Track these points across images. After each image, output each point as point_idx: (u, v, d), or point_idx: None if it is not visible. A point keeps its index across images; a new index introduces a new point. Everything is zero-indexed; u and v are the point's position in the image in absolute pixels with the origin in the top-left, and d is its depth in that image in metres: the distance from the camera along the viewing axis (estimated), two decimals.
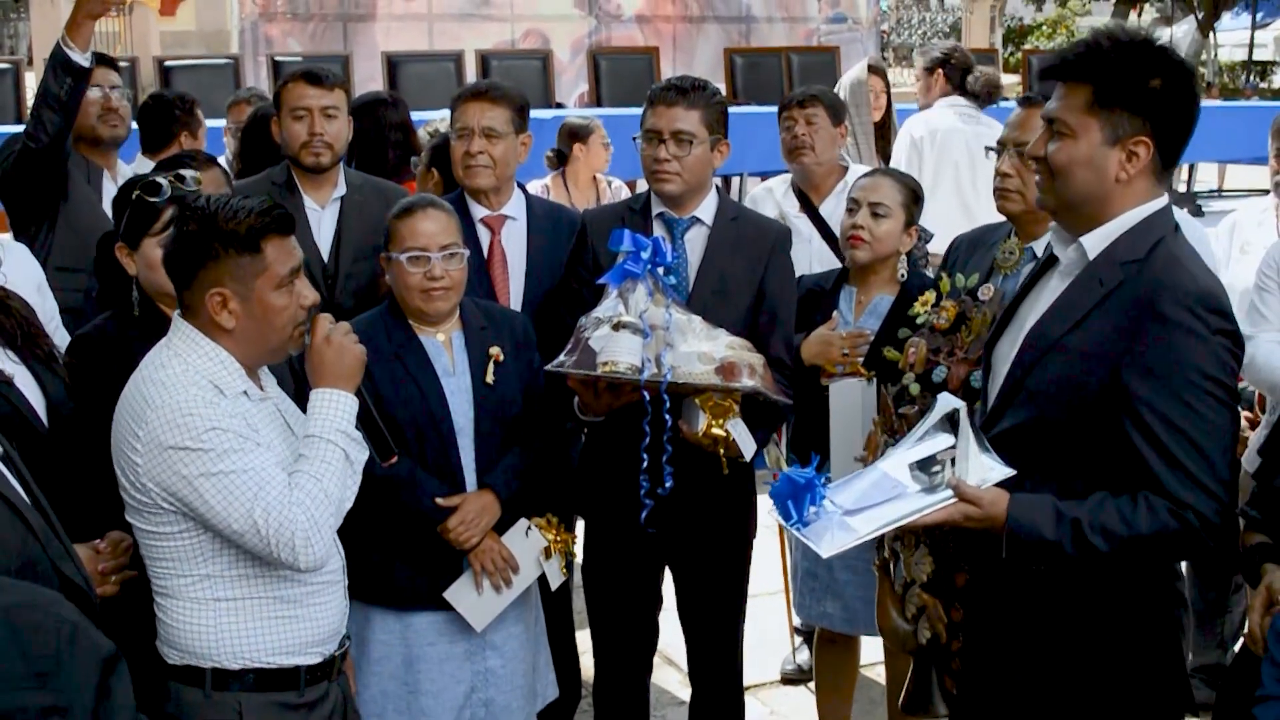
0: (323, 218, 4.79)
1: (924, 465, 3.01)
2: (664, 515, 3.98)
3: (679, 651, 4.70)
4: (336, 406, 3.15)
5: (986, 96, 7.80)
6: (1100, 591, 2.96)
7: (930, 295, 3.84)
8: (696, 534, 4.22)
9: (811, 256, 5.34)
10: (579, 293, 4.12)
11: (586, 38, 18.74)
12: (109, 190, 5.17)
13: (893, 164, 7.27)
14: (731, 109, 4.32)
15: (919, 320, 3.81)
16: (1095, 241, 2.97)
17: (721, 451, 3.82)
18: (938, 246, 4.71)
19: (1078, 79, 2.94)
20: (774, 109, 5.73)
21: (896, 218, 4.47)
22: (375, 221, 4.12)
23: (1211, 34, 32.61)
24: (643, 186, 4.38)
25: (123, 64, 9.50)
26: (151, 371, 3.07)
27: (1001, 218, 4.14)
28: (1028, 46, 29.43)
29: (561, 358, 3.75)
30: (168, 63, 11.74)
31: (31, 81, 5.38)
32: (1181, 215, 4.94)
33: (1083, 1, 36.24)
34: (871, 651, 5.01)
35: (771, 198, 5.67)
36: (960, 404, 3.02)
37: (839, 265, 4.87)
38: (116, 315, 3.65)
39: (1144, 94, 2.89)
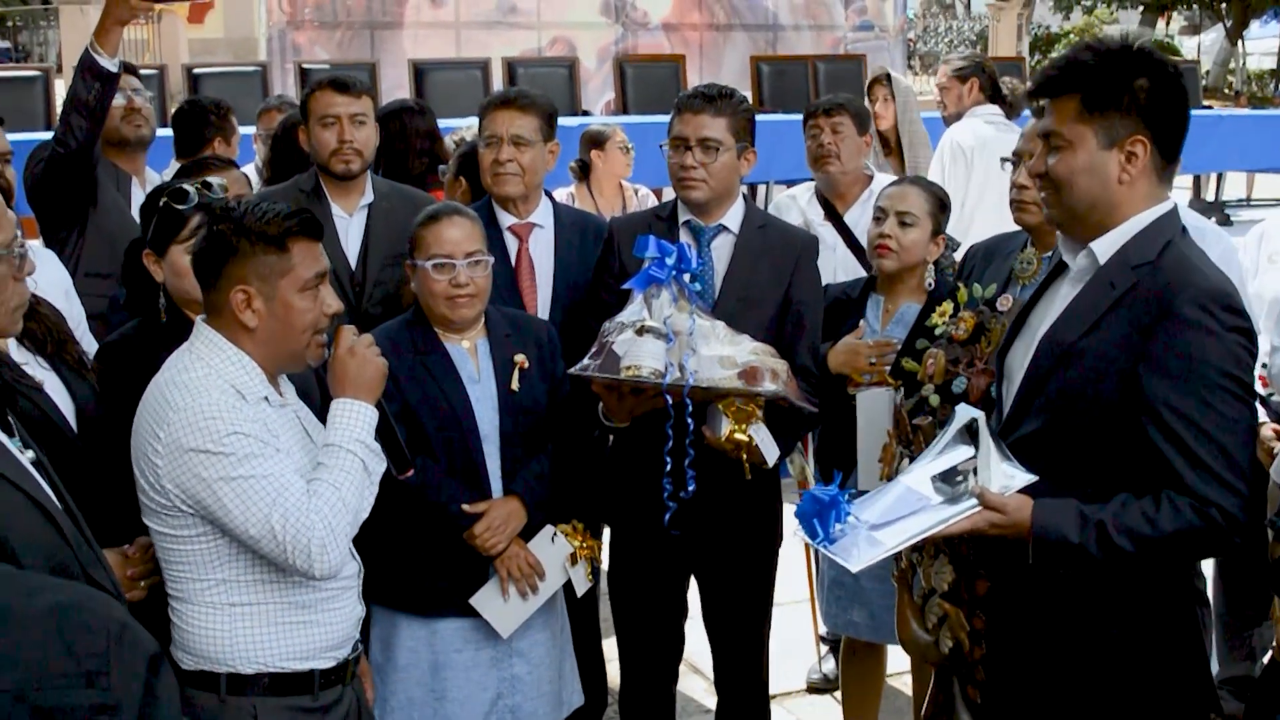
0: (350, 225, 4.80)
1: (947, 477, 3.02)
2: (689, 522, 3.98)
3: (705, 660, 4.70)
4: (357, 417, 3.16)
5: (1017, 107, 7.80)
6: (1121, 593, 2.96)
7: (948, 306, 3.83)
8: (722, 542, 4.22)
9: (836, 265, 5.34)
10: (606, 300, 4.12)
11: (613, 45, 18.78)
12: (137, 197, 5.20)
13: (934, 172, 7.24)
14: (757, 117, 4.32)
15: (937, 331, 3.80)
16: (1105, 246, 2.98)
17: (744, 457, 3.82)
18: None
19: (1065, 91, 2.98)
20: (800, 117, 5.72)
21: (923, 227, 4.46)
22: (403, 229, 4.13)
23: (1240, 42, 32.49)
24: (670, 194, 4.38)
25: (151, 71, 9.57)
26: (174, 374, 3.08)
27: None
28: (1054, 55, 29.39)
29: (585, 361, 3.75)
30: (196, 70, 11.81)
31: (61, 89, 5.41)
32: (1209, 224, 4.96)
33: (1110, 9, 36.12)
34: (898, 661, 5.00)
35: (796, 205, 5.66)
36: (979, 413, 3.03)
37: (863, 274, 4.86)
38: (144, 322, 3.67)
39: (1132, 93, 2.91)
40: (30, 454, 2.65)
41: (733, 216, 4.21)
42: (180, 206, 3.59)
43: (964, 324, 3.66)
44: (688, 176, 4.10)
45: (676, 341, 3.70)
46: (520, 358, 3.99)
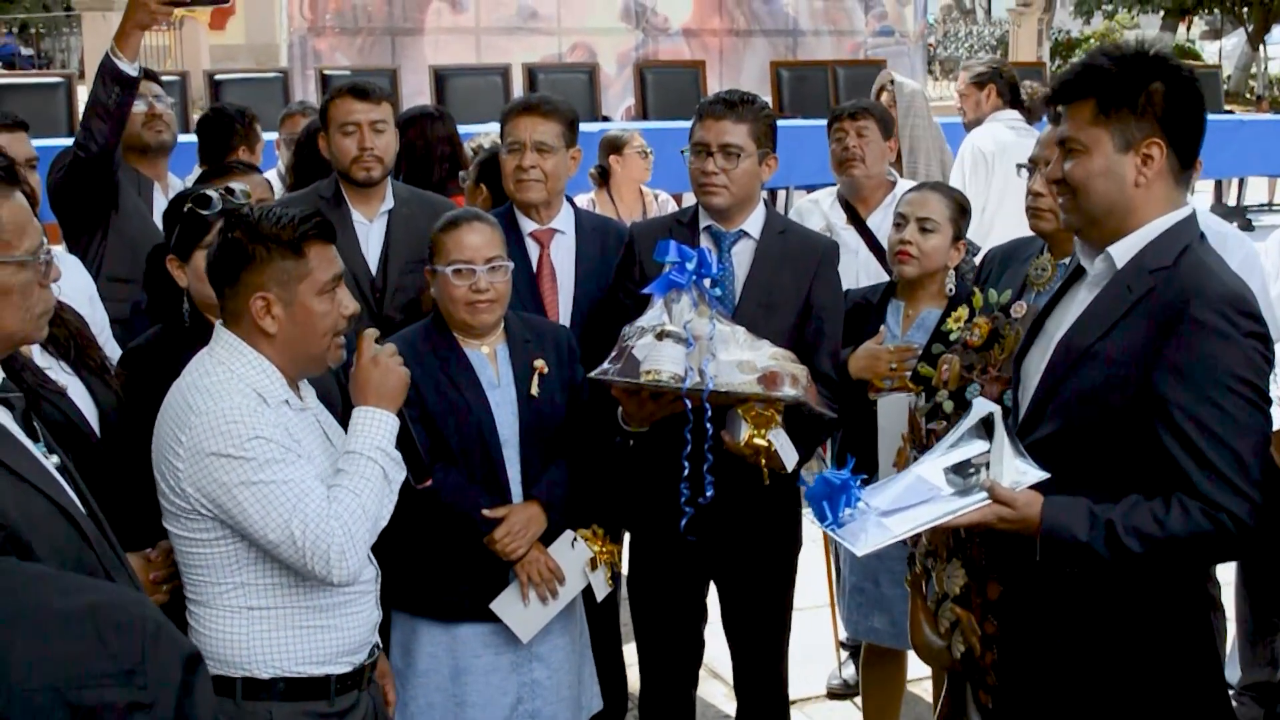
0: (371, 231, 4.81)
1: (959, 469, 3.04)
2: (708, 527, 3.98)
3: (724, 665, 4.70)
4: (378, 425, 3.17)
5: (1036, 111, 7.78)
6: (1134, 599, 2.96)
7: (963, 311, 3.83)
8: (741, 547, 4.22)
9: (858, 269, 5.34)
10: (626, 304, 4.12)
11: (633, 51, 18.79)
12: (159, 202, 5.22)
13: (954, 178, 7.24)
14: (777, 122, 4.32)
15: (952, 336, 3.80)
16: (1123, 250, 2.99)
17: (763, 462, 3.81)
18: None
19: (1080, 96, 2.99)
20: (820, 122, 5.72)
21: (944, 232, 4.46)
22: (423, 234, 4.14)
23: (1261, 47, 32.36)
24: (690, 200, 4.38)
25: (173, 78, 9.62)
26: (195, 378, 3.09)
27: None
28: (1075, 60, 29.30)
29: (605, 366, 3.75)
30: (217, 76, 11.86)
31: (84, 95, 5.43)
32: (1231, 229, 4.94)
33: (1131, 15, 36.03)
34: (918, 667, 4.99)
35: (818, 209, 5.66)
36: (995, 408, 3.04)
37: (886, 278, 4.86)
38: (167, 327, 3.69)
39: (1147, 96, 2.92)
40: (55, 459, 2.66)
41: (753, 222, 4.21)
42: (204, 212, 3.61)
43: (979, 330, 3.66)
44: (709, 182, 4.11)
45: (696, 346, 3.70)
46: (540, 363, 3.99)
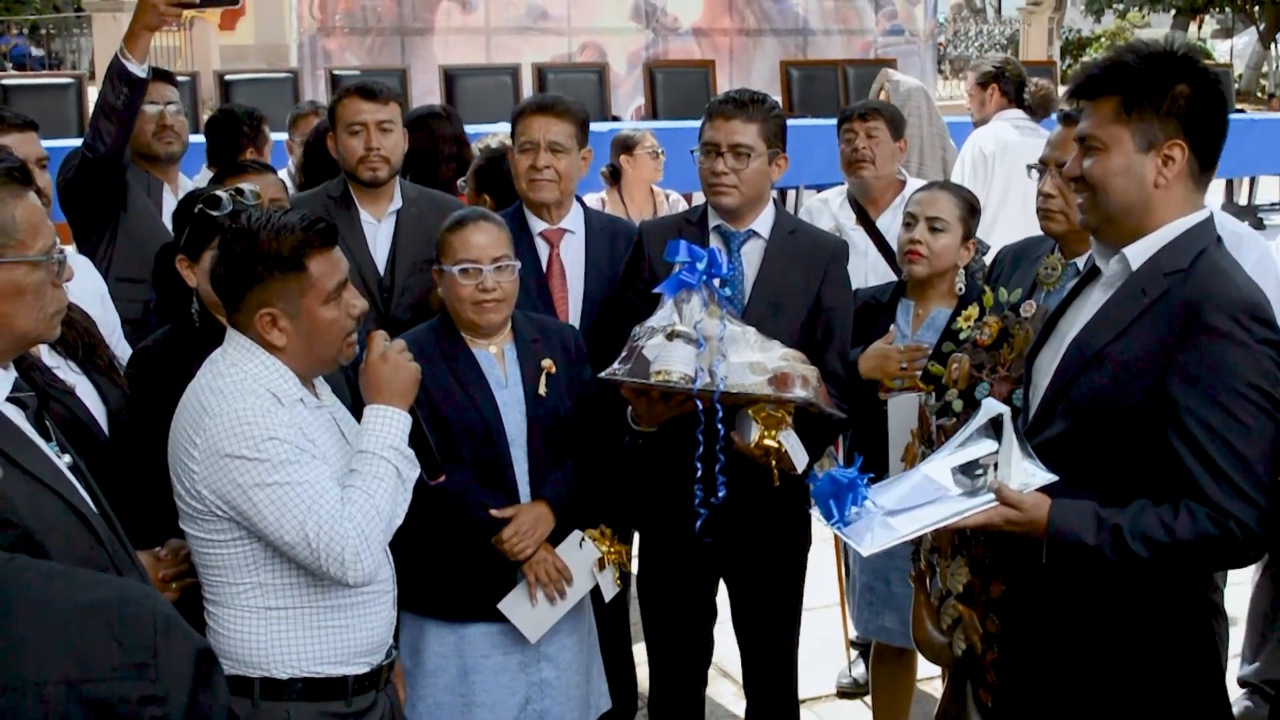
0: (379, 231, 4.81)
1: (966, 469, 3.02)
2: (718, 527, 3.97)
3: (734, 664, 4.70)
4: (390, 423, 3.17)
5: (1043, 109, 7.77)
6: (1137, 602, 2.96)
7: (973, 310, 3.83)
8: (751, 546, 4.22)
9: (867, 269, 5.33)
10: (635, 304, 4.13)
11: (643, 51, 18.78)
12: (169, 203, 5.22)
13: (955, 177, 7.25)
14: (787, 122, 4.32)
15: (961, 335, 3.79)
16: (1138, 252, 2.97)
17: (773, 463, 3.81)
18: None
19: (1104, 93, 2.96)
20: (830, 121, 5.71)
21: (954, 232, 4.45)
22: (431, 234, 4.14)
23: (1273, 45, 32.32)
24: (699, 199, 4.38)
25: (183, 78, 9.63)
26: (209, 380, 3.10)
27: None
28: (1086, 59, 29.28)
29: (615, 366, 3.75)
30: (227, 77, 11.86)
31: (94, 96, 5.43)
32: (1245, 229, 4.93)
33: (1142, 13, 35.99)
34: (928, 666, 4.98)
35: (827, 209, 5.66)
36: (1004, 409, 3.02)
37: (895, 278, 4.86)
38: (176, 327, 3.69)
39: (1171, 98, 2.90)
40: (67, 458, 2.67)
41: (763, 222, 4.21)
42: (214, 213, 3.61)
43: (988, 329, 3.66)
44: (719, 182, 4.10)
45: (707, 347, 3.70)
46: (547, 363, 3.99)
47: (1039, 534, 2.92)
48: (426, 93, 13.39)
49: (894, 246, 4.94)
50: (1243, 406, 2.80)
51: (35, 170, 4.00)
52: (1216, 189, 15.32)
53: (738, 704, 5.09)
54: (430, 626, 3.93)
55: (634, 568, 4.43)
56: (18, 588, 1.84)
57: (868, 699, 5.20)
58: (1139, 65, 2.93)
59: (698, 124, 4.23)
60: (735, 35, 19.88)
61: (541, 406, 3.96)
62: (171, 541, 3.25)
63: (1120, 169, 2.93)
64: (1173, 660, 2.97)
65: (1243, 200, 15.41)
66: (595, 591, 4.08)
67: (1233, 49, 33.78)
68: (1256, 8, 32.58)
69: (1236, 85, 23.40)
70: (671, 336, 3.69)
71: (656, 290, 3.83)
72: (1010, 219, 6.78)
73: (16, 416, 2.59)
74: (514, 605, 3.91)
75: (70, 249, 4.73)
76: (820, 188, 8.56)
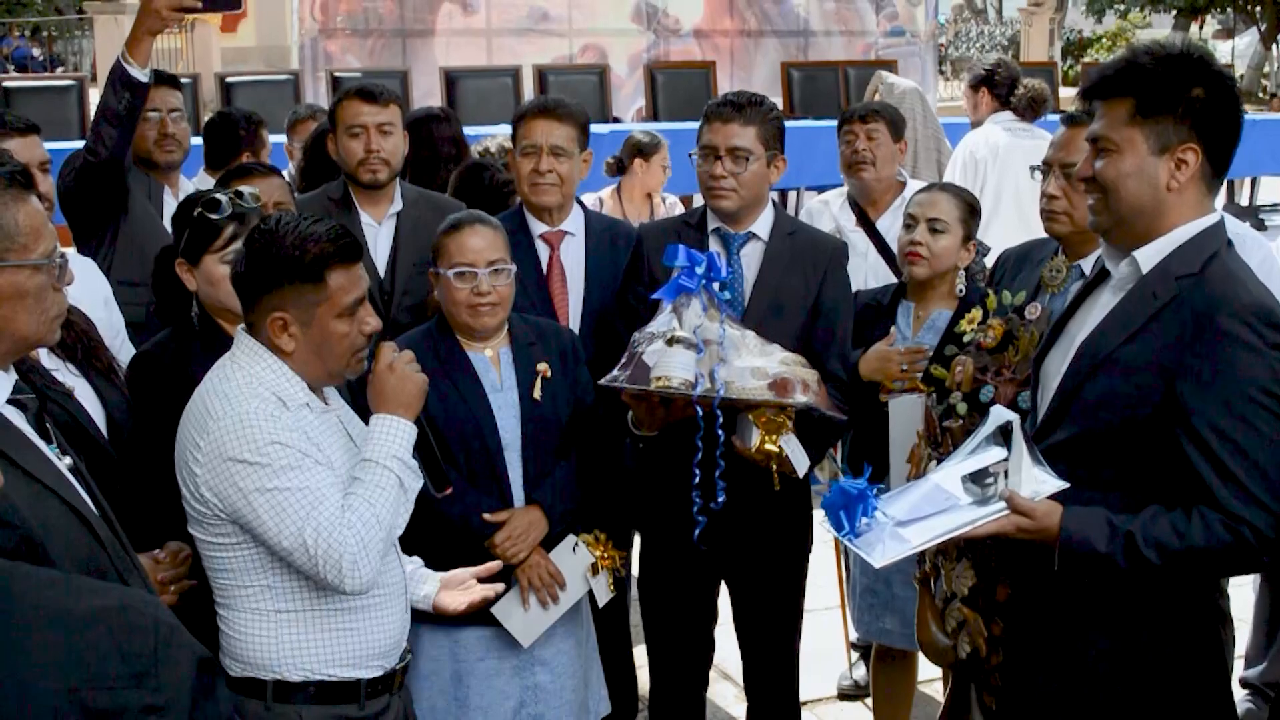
0: (379, 233, 4.82)
1: (976, 478, 3.00)
2: (720, 530, 3.97)
3: (735, 666, 4.70)
4: (395, 433, 3.16)
5: (1032, 109, 7.77)
6: (1143, 607, 2.95)
7: (977, 313, 3.82)
8: (752, 548, 4.22)
9: (867, 271, 5.33)
10: (635, 307, 4.12)
11: (644, 52, 18.75)
12: (170, 206, 5.22)
13: (947, 179, 7.26)
14: (789, 123, 4.32)
15: (965, 338, 3.79)
16: (1149, 255, 2.95)
17: (774, 467, 3.81)
18: None
19: (1119, 94, 2.94)
20: (831, 123, 5.71)
21: (954, 233, 4.45)
22: (432, 237, 4.14)
23: (1274, 46, 32.31)
24: (698, 202, 4.38)
25: (184, 80, 9.64)
26: (216, 383, 3.10)
27: None
28: (1087, 59, 29.26)
29: (615, 373, 3.75)
30: (229, 79, 11.87)
31: (95, 98, 5.43)
32: (1245, 229, 4.93)
33: (1143, 14, 35.98)
34: (929, 667, 4.98)
35: (828, 211, 5.66)
36: (1014, 416, 3.00)
37: (895, 280, 4.86)
38: (176, 331, 3.69)
39: (1187, 101, 2.89)
40: (68, 460, 2.67)
41: (762, 224, 4.21)
42: (213, 216, 3.60)
43: (992, 331, 3.65)
44: (717, 186, 4.10)
45: (707, 351, 3.70)
46: (543, 366, 3.98)
47: (1051, 541, 2.90)
48: (427, 94, 13.38)
49: (894, 248, 4.94)
50: (1255, 411, 2.78)
51: (38, 174, 4.01)
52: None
53: (739, 706, 5.09)
54: (424, 630, 3.91)
55: (634, 570, 4.43)
56: (18, 596, 1.84)
57: (868, 701, 5.20)
58: (1154, 67, 2.91)
59: (698, 126, 4.23)
60: (736, 37, 19.85)
61: (536, 410, 3.95)
62: (170, 544, 3.25)
63: (1133, 171, 2.92)
64: (1181, 666, 2.96)
65: (1244, 201, 15.41)
66: (591, 596, 4.07)
67: (1234, 49, 33.79)
68: (1258, 8, 32.59)
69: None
70: (671, 342, 3.69)
71: (656, 296, 3.83)
72: (1003, 221, 6.80)
73: (17, 418, 2.59)
74: (507, 610, 3.90)
75: (71, 251, 4.74)
76: (821, 189, 8.57)
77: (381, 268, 4.75)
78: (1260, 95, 29.96)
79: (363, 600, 3.15)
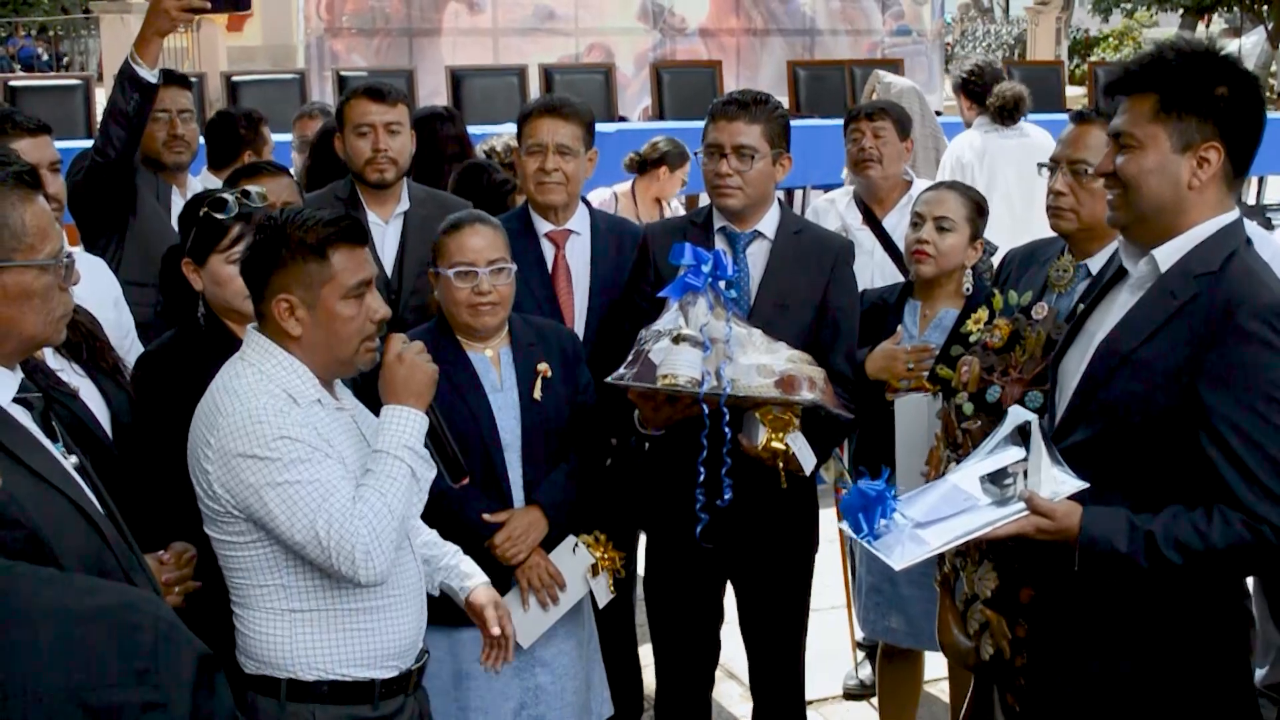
0: (386, 232, 4.82)
1: (995, 478, 2.99)
2: (725, 529, 3.97)
3: (741, 665, 4.69)
4: (406, 423, 3.16)
5: (1007, 114, 7.73)
6: (1169, 609, 2.93)
7: (983, 313, 3.82)
8: (758, 547, 4.22)
9: (874, 270, 5.33)
10: (641, 305, 4.12)
11: (650, 51, 18.75)
12: (177, 205, 5.21)
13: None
14: (794, 122, 4.31)
15: (971, 338, 3.78)
16: (1168, 254, 2.94)
17: (781, 465, 3.81)
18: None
19: (1143, 90, 2.93)
20: (837, 122, 5.71)
21: (961, 231, 4.45)
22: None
23: None
24: (703, 201, 4.37)
25: (191, 79, 9.65)
26: (226, 381, 3.10)
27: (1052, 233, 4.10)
28: (1094, 58, 29.21)
29: (621, 370, 3.75)
30: (235, 78, 11.87)
31: (102, 98, 5.44)
32: (1257, 228, 4.91)
33: (1150, 13, 35.90)
34: (935, 667, 4.99)
35: (834, 209, 5.67)
36: (1032, 417, 3.00)
37: (901, 278, 4.85)
38: (182, 331, 3.69)
39: (1211, 100, 2.88)
40: (74, 459, 2.67)
41: (768, 222, 4.20)
42: (220, 216, 3.61)
43: (999, 331, 3.64)
44: (723, 184, 4.10)
45: (713, 349, 3.70)
46: (543, 366, 3.98)
47: (1071, 542, 2.89)
48: (433, 93, 13.39)
49: (901, 246, 4.94)
50: (1276, 411, 2.77)
51: (48, 174, 4.00)
52: None
53: (744, 705, 5.09)
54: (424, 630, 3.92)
55: (640, 569, 4.43)
56: (18, 594, 1.84)
57: (874, 700, 5.20)
58: (1180, 64, 2.90)
59: (703, 125, 4.22)
60: (742, 35, 19.84)
61: (536, 411, 3.95)
62: (175, 545, 3.24)
63: (1155, 167, 2.91)
64: (1207, 668, 2.95)
65: (1250, 200, 15.39)
66: (592, 597, 4.07)
67: (1241, 48, 33.69)
68: (1265, 7, 32.50)
69: None
70: (678, 340, 3.69)
71: (662, 294, 3.83)
72: (994, 222, 6.78)
73: (23, 417, 2.59)
74: None
75: (81, 251, 4.74)
76: (828, 188, 8.56)
77: (389, 267, 4.76)
78: (1268, 94, 29.90)
79: (377, 600, 3.15)
